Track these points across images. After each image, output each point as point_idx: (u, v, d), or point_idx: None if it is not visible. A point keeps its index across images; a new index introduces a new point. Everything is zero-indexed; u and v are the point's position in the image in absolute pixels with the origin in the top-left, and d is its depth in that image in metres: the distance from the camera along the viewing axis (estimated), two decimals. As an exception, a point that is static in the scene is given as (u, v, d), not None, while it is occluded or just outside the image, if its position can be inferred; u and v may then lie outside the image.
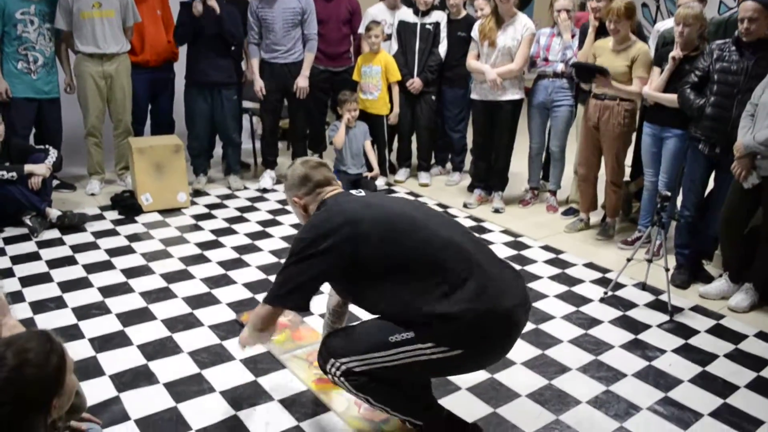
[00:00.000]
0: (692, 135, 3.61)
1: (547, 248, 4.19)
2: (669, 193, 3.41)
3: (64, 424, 1.75)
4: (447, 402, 2.48)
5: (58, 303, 3.24)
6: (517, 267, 3.85)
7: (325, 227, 2.08)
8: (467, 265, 2.00)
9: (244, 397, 2.55)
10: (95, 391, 2.51)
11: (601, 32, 4.25)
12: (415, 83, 5.17)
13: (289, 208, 4.63)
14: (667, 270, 3.41)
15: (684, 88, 3.59)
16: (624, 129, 4.14)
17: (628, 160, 4.44)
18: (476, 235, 2.33)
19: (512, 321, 2.01)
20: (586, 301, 3.47)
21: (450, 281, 1.97)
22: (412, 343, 1.98)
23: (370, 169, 5.24)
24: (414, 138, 5.54)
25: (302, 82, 5.04)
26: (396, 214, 2.13)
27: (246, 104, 5.61)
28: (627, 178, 4.55)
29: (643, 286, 3.62)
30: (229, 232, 4.29)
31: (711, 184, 3.75)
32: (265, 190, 5.16)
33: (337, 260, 2.06)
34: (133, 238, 4.11)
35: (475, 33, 4.70)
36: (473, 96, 4.84)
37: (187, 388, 2.58)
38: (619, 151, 4.21)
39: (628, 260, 3.54)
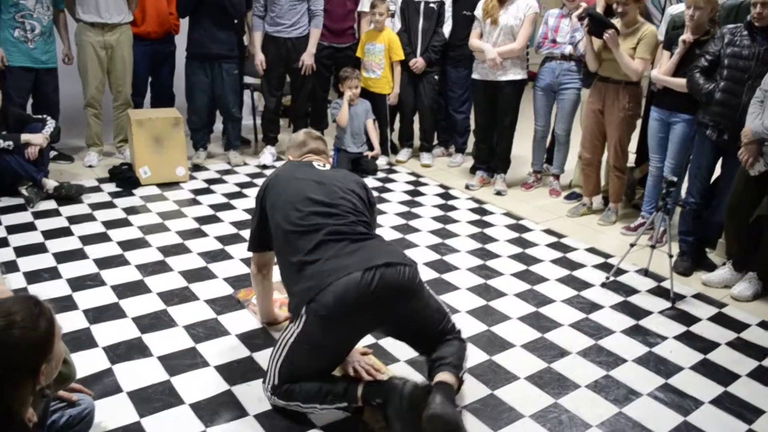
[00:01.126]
0: (700, 120, 3.54)
1: (549, 232, 4.14)
2: (675, 178, 3.36)
3: (53, 392, 1.71)
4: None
5: (52, 274, 3.20)
6: (518, 250, 3.81)
7: (259, 191, 2.47)
8: (311, 243, 2.17)
9: (239, 372, 2.51)
10: (88, 362, 2.48)
11: (608, 15, 4.17)
12: (418, 63, 5.09)
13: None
14: (671, 256, 3.37)
15: (693, 73, 3.53)
16: (628, 114, 4.09)
17: (633, 146, 4.39)
18: (353, 201, 2.35)
19: (347, 295, 2.05)
20: (587, 285, 3.43)
21: (297, 258, 2.17)
22: (288, 325, 2.17)
23: (371, 148, 5.18)
24: (416, 118, 5.48)
25: (308, 59, 4.96)
26: (292, 190, 2.33)
27: (247, 80, 5.55)
28: (632, 164, 4.50)
29: (645, 273, 3.58)
30: (227, 207, 4.24)
31: (717, 172, 3.70)
32: (265, 167, 5.11)
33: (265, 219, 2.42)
34: (131, 210, 4.07)
35: (478, 11, 4.62)
36: (474, 76, 4.76)
37: (181, 362, 2.55)
38: (623, 135, 4.16)
39: (632, 245, 3.49)
